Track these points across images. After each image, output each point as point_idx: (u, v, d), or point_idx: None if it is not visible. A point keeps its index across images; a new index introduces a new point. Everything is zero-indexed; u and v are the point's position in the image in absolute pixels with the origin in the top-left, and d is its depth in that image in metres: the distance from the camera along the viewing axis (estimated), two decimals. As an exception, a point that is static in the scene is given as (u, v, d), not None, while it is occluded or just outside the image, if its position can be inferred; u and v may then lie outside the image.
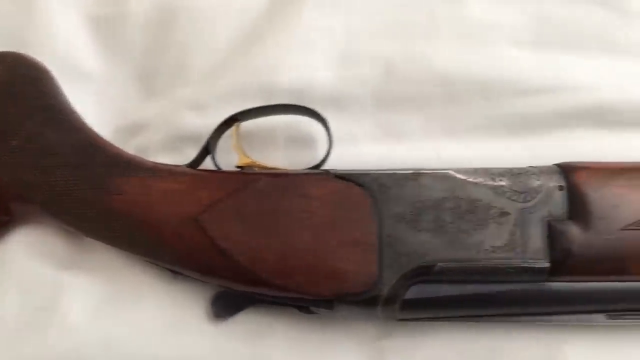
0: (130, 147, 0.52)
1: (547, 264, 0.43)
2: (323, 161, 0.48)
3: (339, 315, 0.46)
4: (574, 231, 0.43)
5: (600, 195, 0.43)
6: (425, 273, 0.43)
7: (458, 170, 0.45)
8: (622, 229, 0.43)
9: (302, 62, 0.54)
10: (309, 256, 0.44)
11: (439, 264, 0.43)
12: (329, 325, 0.49)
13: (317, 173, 0.46)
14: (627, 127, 0.53)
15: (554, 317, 0.46)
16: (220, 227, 0.44)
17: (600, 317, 0.45)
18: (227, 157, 0.49)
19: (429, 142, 0.53)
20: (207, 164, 0.48)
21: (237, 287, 0.45)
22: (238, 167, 0.48)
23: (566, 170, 0.45)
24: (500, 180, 0.45)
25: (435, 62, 0.54)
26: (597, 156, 0.48)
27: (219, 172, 0.47)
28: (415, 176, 0.45)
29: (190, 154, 0.49)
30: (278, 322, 0.48)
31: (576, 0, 0.55)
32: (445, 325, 0.48)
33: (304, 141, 0.52)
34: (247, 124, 0.51)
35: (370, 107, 0.54)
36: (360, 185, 0.45)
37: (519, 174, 0.45)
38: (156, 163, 0.47)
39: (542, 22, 0.55)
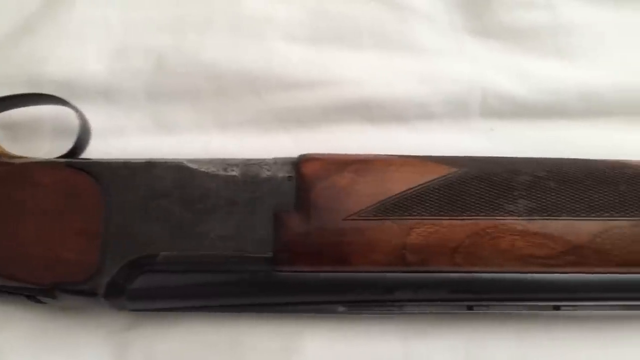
0: None
1: (270, 254, 0.43)
2: (73, 150, 0.47)
3: (72, 305, 0.46)
4: (297, 222, 0.43)
5: (326, 186, 0.44)
6: (149, 263, 0.43)
7: (191, 161, 0.45)
8: (344, 219, 0.43)
9: (73, 54, 0.54)
10: (31, 245, 0.43)
11: (162, 253, 0.43)
12: (75, 317, 0.48)
13: (50, 162, 0.46)
14: (392, 122, 0.53)
15: (290, 308, 0.46)
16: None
17: (337, 308, 0.45)
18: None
19: (200, 134, 0.54)
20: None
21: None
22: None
23: (298, 162, 0.45)
24: (232, 170, 0.45)
25: (205, 56, 0.54)
26: (363, 150, 0.47)
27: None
28: (148, 166, 0.45)
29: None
30: (15, 314, 0.47)
31: (353, -4, 0.55)
32: (189, 317, 0.48)
33: (73, 132, 0.52)
34: (12, 114, 0.50)
35: (142, 99, 0.54)
36: (91, 174, 0.45)
37: (252, 164, 0.45)
38: None
39: (317, 17, 0.55)
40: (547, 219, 0.43)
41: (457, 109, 0.54)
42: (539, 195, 0.43)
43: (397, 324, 0.48)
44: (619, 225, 0.43)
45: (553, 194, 0.43)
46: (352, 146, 0.49)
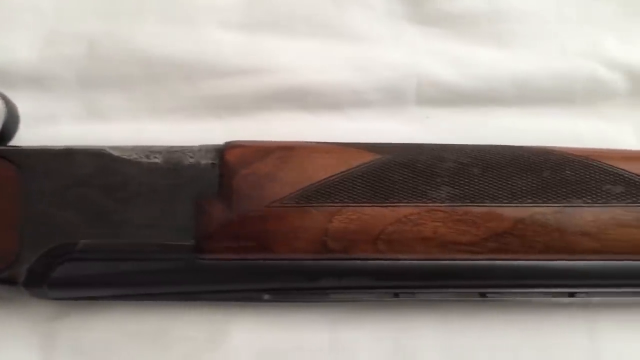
0: None
1: (191, 242, 0.42)
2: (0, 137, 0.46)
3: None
4: (219, 209, 0.43)
5: (248, 173, 0.43)
6: (69, 251, 0.43)
7: (114, 148, 0.45)
8: (266, 207, 0.42)
9: (3, 41, 0.53)
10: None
11: (82, 241, 0.42)
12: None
13: (-32, 149, 0.45)
14: (328, 109, 0.53)
15: (215, 296, 0.45)
16: None
17: (262, 296, 0.45)
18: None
19: (132, 122, 0.53)
20: None
21: None
22: None
23: (223, 149, 0.44)
24: (155, 157, 0.44)
25: (137, 43, 0.53)
26: (297, 137, 0.47)
27: None
28: (68, 153, 0.44)
29: None
30: None
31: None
32: (117, 306, 0.47)
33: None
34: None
35: (73, 86, 0.53)
36: (10, 161, 0.44)
37: (175, 151, 0.44)
38: None
39: (252, 4, 0.54)
40: (469, 206, 0.43)
41: (393, 97, 0.53)
42: (462, 182, 0.43)
43: (325, 312, 0.47)
44: (541, 212, 0.43)
45: (476, 180, 0.43)
46: (286, 134, 0.49)
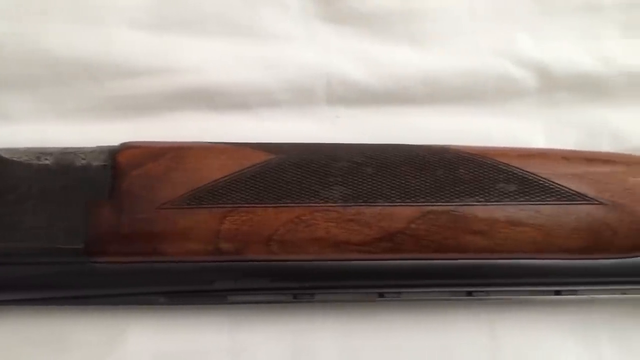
0: None
1: (81, 246, 0.42)
2: None
3: None
4: (109, 211, 0.42)
5: (139, 175, 0.43)
6: (-43, 256, 0.42)
7: (4, 150, 0.44)
8: (157, 208, 0.42)
9: None
10: None
11: (-32, 246, 0.41)
12: None
13: None
14: (237, 109, 0.52)
15: (110, 300, 0.45)
16: None
17: (158, 299, 0.44)
18: None
19: (38, 123, 0.52)
20: None
21: None
22: None
23: (116, 150, 0.44)
24: (46, 159, 0.43)
25: (43, 43, 0.52)
26: (206, 137, 0.46)
27: None
28: (-41, 155, 0.43)
29: None
30: None
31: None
32: (13, 310, 0.46)
33: None
34: None
35: (-23, 87, 0.52)
36: None
37: (68, 153, 0.44)
38: None
39: (162, 3, 0.54)
40: (362, 206, 0.42)
41: (303, 96, 0.53)
42: (355, 182, 0.43)
43: (224, 315, 0.47)
44: (434, 211, 0.42)
45: (369, 180, 0.43)
46: (194, 134, 0.49)
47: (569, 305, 0.48)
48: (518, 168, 0.43)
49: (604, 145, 0.51)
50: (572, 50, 0.53)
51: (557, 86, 0.53)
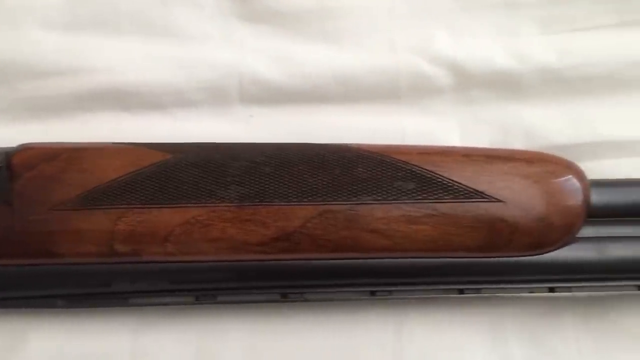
0: None
1: (-30, 248, 0.41)
2: None
3: None
4: (3, 213, 0.41)
5: (33, 176, 0.42)
6: None
7: None
8: (51, 210, 0.41)
9: None
10: None
11: None
12: None
13: None
14: (150, 110, 0.52)
15: (7, 303, 0.44)
16: None
17: (56, 302, 0.44)
18: None
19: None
20: None
21: None
22: None
23: (13, 152, 0.43)
24: (-60, 162, 0.43)
25: (-49, 43, 0.51)
26: (119, 138, 0.46)
27: None
28: None
29: None
30: None
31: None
32: None
33: None
34: None
35: None
36: None
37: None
38: None
39: (75, 3, 0.53)
40: (259, 205, 0.42)
41: (216, 96, 0.52)
42: (252, 181, 0.42)
43: (127, 317, 0.46)
44: (331, 210, 0.42)
45: (267, 179, 0.42)
46: (107, 135, 0.48)
47: (477, 304, 0.47)
48: (417, 166, 0.43)
49: (518, 143, 0.51)
50: (488, 47, 0.53)
51: (472, 84, 0.53)
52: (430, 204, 0.42)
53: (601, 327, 0.47)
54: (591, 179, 0.45)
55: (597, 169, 0.49)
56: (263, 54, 0.53)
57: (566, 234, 0.43)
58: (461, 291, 0.45)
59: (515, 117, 0.52)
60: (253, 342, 0.46)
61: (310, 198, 0.42)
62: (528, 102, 0.52)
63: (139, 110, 0.52)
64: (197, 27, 0.54)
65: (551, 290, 0.45)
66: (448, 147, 0.46)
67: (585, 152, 0.51)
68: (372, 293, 0.45)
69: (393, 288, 0.45)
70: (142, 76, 0.52)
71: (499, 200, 0.42)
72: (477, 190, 0.42)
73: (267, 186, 0.42)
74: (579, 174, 0.44)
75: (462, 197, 0.42)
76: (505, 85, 0.52)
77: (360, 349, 0.46)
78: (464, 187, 0.42)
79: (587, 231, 0.45)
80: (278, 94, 0.53)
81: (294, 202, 0.42)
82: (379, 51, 0.53)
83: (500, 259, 0.44)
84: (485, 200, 0.42)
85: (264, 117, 0.53)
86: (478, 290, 0.45)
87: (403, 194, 0.42)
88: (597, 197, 0.44)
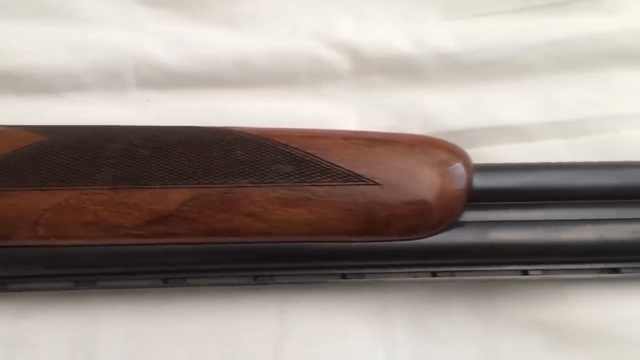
0: None
1: None
2: None
3: None
4: None
5: None
6: None
7: None
8: None
9: None
10: None
11: None
12: None
13: None
14: (41, 93, 0.51)
15: None
16: None
17: None
18: None
19: None
20: None
21: None
22: None
23: None
24: None
25: None
26: (11, 122, 0.45)
27: None
28: None
29: None
30: None
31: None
32: None
33: None
34: None
35: None
36: None
37: None
38: None
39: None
40: (133, 188, 0.41)
41: (112, 80, 0.52)
42: (128, 164, 0.42)
43: (5, 303, 0.46)
44: (207, 193, 0.41)
45: (143, 162, 0.42)
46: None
47: (364, 289, 0.47)
48: (296, 149, 0.42)
49: (414, 128, 0.51)
50: (390, 33, 0.53)
51: (371, 69, 0.52)
52: (308, 187, 0.42)
53: (489, 312, 0.47)
54: (475, 164, 0.44)
55: (492, 153, 0.49)
56: (161, 38, 0.52)
57: (446, 218, 0.43)
58: (344, 276, 0.45)
59: (412, 103, 0.52)
60: (134, 328, 0.46)
61: (186, 181, 0.41)
62: (426, 88, 0.52)
63: (32, 94, 0.51)
64: (94, 10, 0.53)
65: (434, 274, 0.45)
66: (331, 130, 0.45)
67: (480, 137, 0.50)
68: (255, 278, 0.44)
69: (275, 273, 0.44)
70: (35, 59, 0.51)
71: (377, 184, 0.42)
72: (355, 174, 0.42)
73: (142, 169, 0.41)
74: (462, 158, 0.43)
75: (340, 180, 0.42)
76: (404, 70, 0.52)
77: (242, 335, 0.46)
78: (342, 170, 0.42)
79: (470, 215, 0.44)
80: (175, 78, 0.52)
81: (170, 185, 0.41)
82: (280, 36, 0.53)
83: (382, 243, 0.43)
84: (362, 183, 0.42)
85: (161, 102, 0.52)
86: (361, 275, 0.45)
87: (280, 176, 0.42)
88: (481, 182, 0.44)
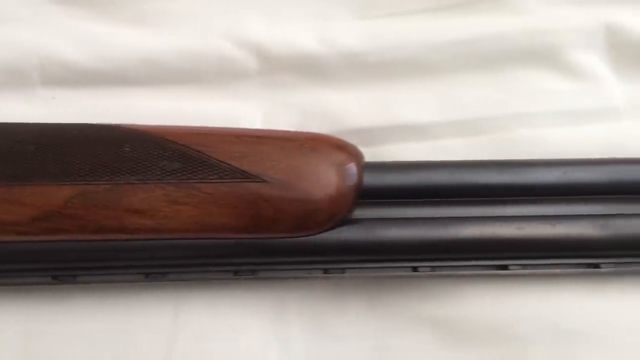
0: None
1: None
2: None
3: None
4: None
5: None
6: None
7: None
8: None
9: None
10: None
11: None
12: None
13: None
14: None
15: None
16: None
17: None
18: None
19: None
20: None
21: None
22: None
23: None
24: None
25: None
26: None
27: None
28: None
29: None
30: None
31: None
32: None
33: None
34: None
35: None
36: None
37: None
38: None
39: None
40: (17, 185, 0.41)
41: (15, 77, 0.52)
42: (12, 160, 0.41)
43: None
44: (92, 190, 0.41)
45: (28, 158, 0.41)
46: None
47: (259, 287, 0.47)
48: (185, 146, 0.42)
49: (317, 126, 0.51)
50: (299, 32, 0.53)
51: (278, 68, 0.53)
52: (194, 184, 0.42)
53: (382, 309, 0.47)
54: (367, 162, 0.44)
55: (393, 152, 0.49)
56: (68, 36, 0.52)
57: (334, 216, 0.43)
58: (236, 273, 0.45)
59: (317, 101, 0.52)
60: (27, 326, 0.45)
61: (71, 177, 0.41)
62: (331, 87, 0.52)
63: None
64: (4, 8, 0.53)
65: (326, 272, 0.45)
66: (222, 128, 0.45)
67: (382, 135, 0.51)
68: (146, 275, 0.44)
69: (167, 270, 0.44)
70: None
71: (264, 181, 0.42)
72: (242, 170, 0.42)
73: (27, 165, 0.41)
74: (353, 155, 0.44)
75: (226, 177, 0.42)
76: (310, 69, 0.52)
77: (135, 333, 0.46)
78: (229, 166, 0.42)
79: (360, 213, 0.44)
80: (82, 76, 0.52)
81: (56, 181, 0.41)
82: (191, 35, 0.53)
83: (272, 240, 0.43)
84: (249, 180, 0.42)
85: (67, 100, 0.52)
86: (253, 272, 0.45)
87: (167, 173, 0.42)
88: (372, 179, 0.44)
